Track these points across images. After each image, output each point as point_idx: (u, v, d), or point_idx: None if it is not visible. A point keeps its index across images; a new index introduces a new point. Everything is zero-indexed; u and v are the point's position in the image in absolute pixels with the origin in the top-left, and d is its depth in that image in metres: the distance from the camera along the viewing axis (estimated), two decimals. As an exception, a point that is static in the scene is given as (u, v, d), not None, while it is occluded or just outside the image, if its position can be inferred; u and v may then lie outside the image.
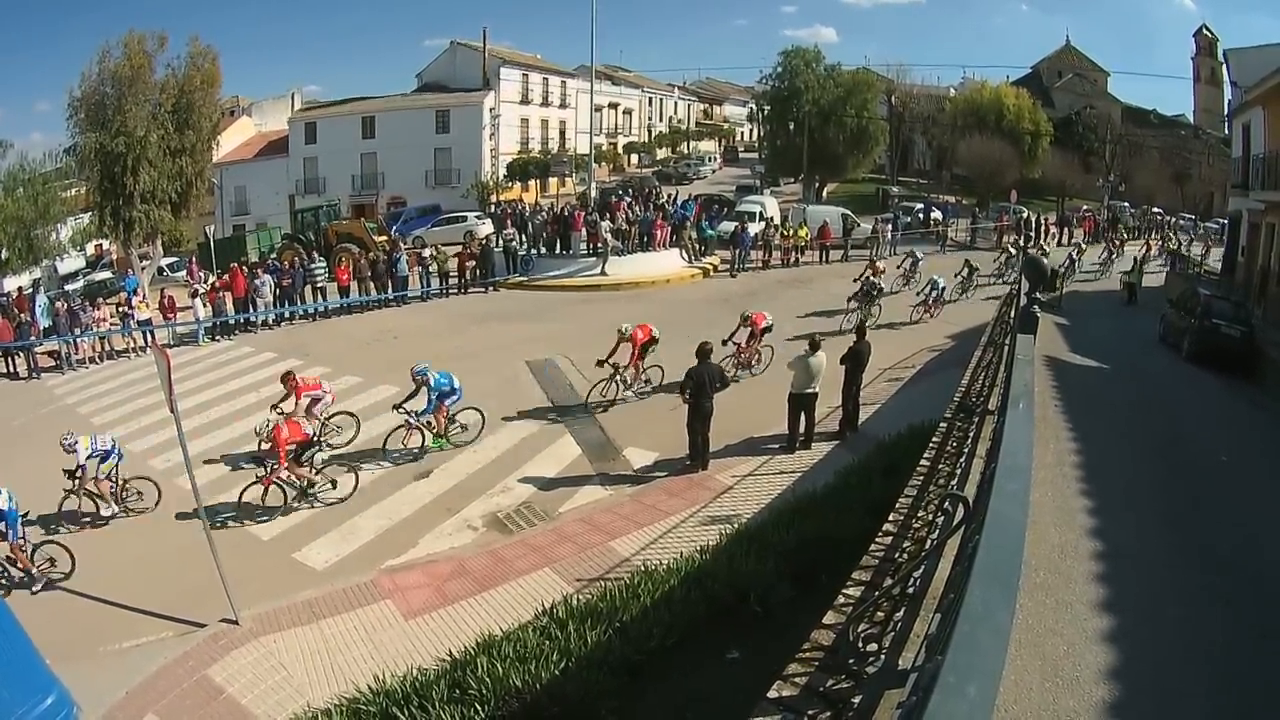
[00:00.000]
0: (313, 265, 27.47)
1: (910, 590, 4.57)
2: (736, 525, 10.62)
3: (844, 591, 5.30)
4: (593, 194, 36.71)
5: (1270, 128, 25.30)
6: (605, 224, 30.30)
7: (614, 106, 66.38)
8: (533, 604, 9.00)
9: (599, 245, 29.54)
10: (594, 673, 7.15)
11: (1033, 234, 38.70)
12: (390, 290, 27.65)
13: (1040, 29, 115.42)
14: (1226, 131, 43.15)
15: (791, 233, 33.94)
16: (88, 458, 11.98)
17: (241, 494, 12.14)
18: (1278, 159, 23.92)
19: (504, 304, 27.19)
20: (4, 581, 10.66)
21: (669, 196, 39.99)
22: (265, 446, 12.30)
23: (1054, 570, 7.16)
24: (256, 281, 25.21)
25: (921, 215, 42.82)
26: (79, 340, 22.78)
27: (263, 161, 54.66)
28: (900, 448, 11.91)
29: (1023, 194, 49.34)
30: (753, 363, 17.90)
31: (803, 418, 13.83)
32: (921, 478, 7.60)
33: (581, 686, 6.98)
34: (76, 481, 11.96)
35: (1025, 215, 41.73)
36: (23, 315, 23.01)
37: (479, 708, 6.93)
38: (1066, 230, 42.57)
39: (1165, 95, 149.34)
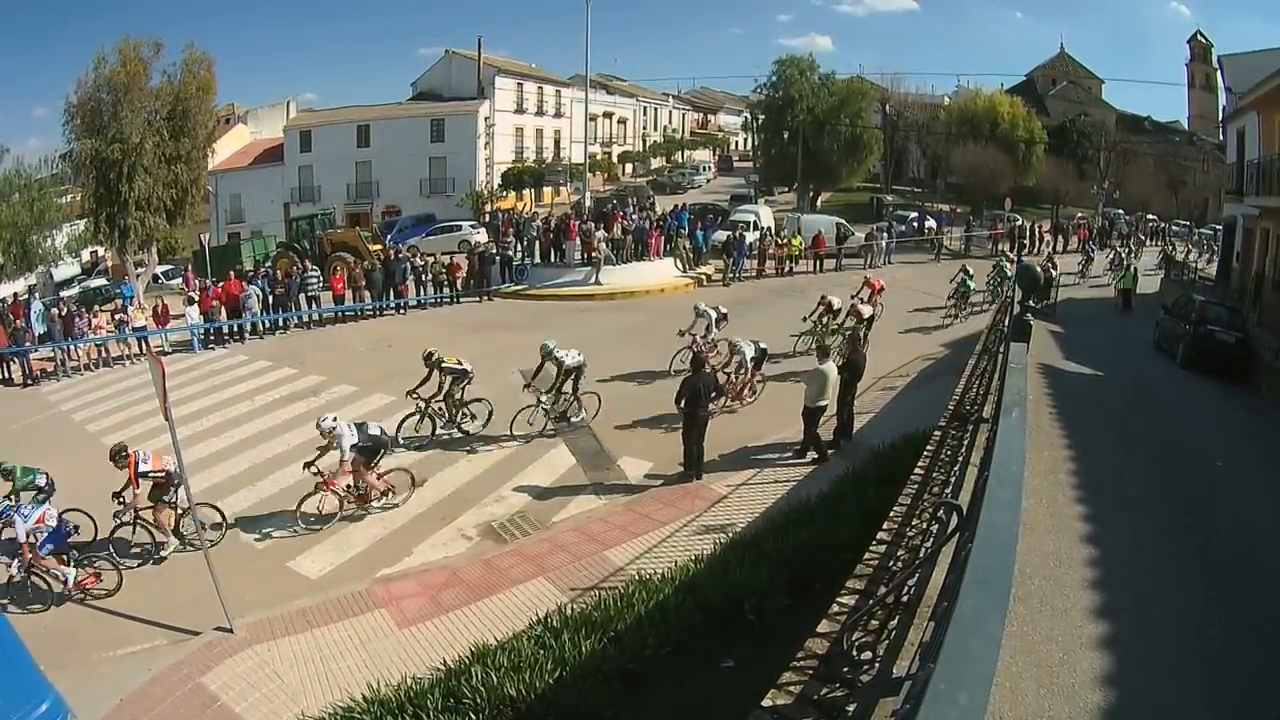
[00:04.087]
0: (308, 274, 27.47)
1: (905, 598, 4.57)
2: (731, 534, 10.63)
3: (839, 600, 5.31)
4: (587, 203, 36.73)
5: (1265, 133, 25.36)
6: (600, 233, 30.31)
7: (608, 115, 66.50)
8: (527, 613, 8.97)
9: (593, 254, 29.57)
10: (589, 682, 7.14)
11: (1026, 241, 38.71)
12: (386, 299, 27.63)
13: (1035, 37, 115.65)
14: (1221, 137, 43.30)
15: (785, 242, 33.96)
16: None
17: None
18: (1272, 164, 23.97)
19: (499, 313, 27.20)
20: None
21: (659, 209, 39.96)
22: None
23: (1049, 577, 7.17)
24: (242, 295, 25.15)
25: (916, 224, 42.83)
26: (74, 347, 22.77)
27: (258, 169, 54.69)
28: (894, 456, 11.89)
29: (1017, 202, 49.42)
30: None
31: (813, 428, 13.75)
32: (916, 486, 7.61)
33: (576, 695, 6.97)
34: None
35: (1019, 223, 41.77)
36: (18, 322, 22.96)
37: (474, 717, 6.92)
38: (1061, 238, 42.59)
39: (1159, 102, 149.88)
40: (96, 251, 40.30)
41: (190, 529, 11.32)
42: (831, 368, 13.49)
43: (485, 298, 29.30)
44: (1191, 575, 7.88)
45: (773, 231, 36.09)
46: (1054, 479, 9.75)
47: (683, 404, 13.10)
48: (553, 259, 31.67)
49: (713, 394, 13.16)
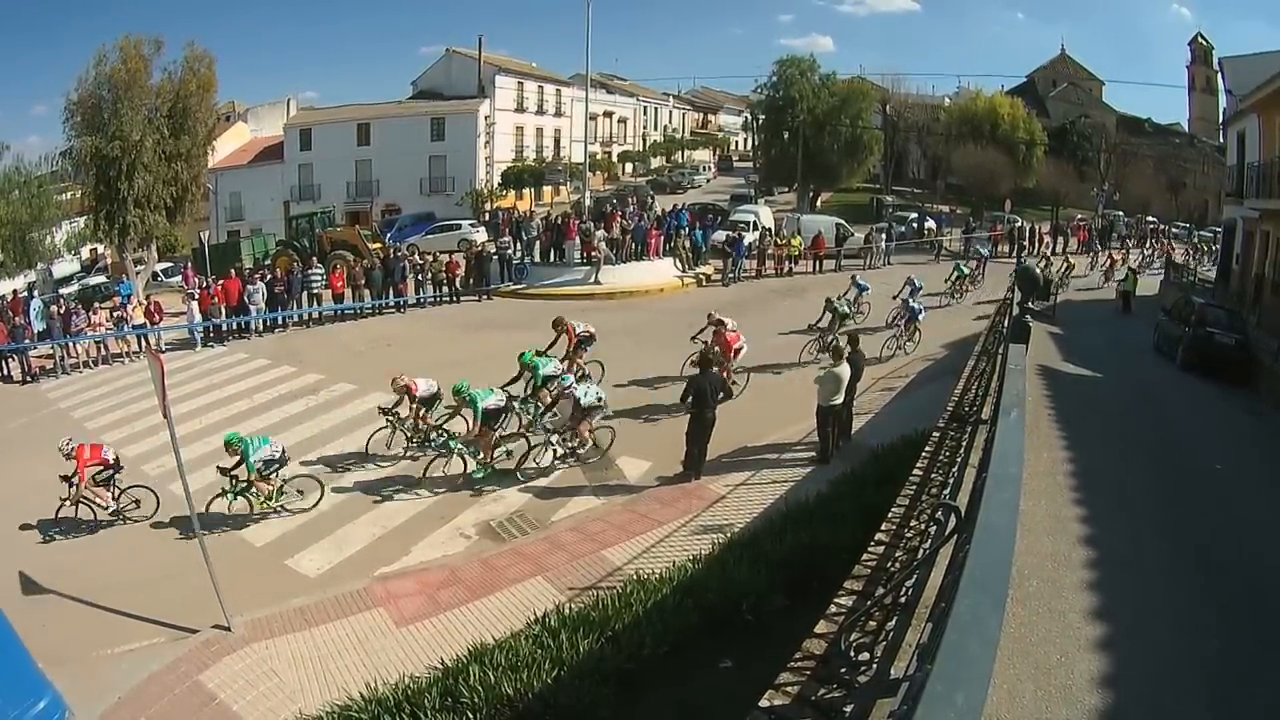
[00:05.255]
0: (310, 272, 27.48)
1: (902, 599, 4.58)
2: (729, 534, 10.62)
3: (836, 600, 5.31)
4: (587, 202, 36.74)
5: (1265, 135, 25.37)
6: (599, 233, 30.31)
7: (609, 115, 66.45)
8: (525, 613, 8.98)
9: (593, 254, 29.57)
10: (586, 682, 7.14)
11: (1026, 243, 38.73)
12: (385, 297, 27.63)
13: (1036, 38, 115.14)
14: (1221, 139, 43.30)
15: (785, 242, 33.96)
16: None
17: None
18: (1273, 167, 23.99)
19: (498, 312, 27.20)
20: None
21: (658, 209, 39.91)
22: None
23: (1047, 579, 7.16)
24: (250, 288, 25.21)
25: (915, 225, 42.81)
26: (74, 344, 22.77)
27: (258, 168, 54.66)
28: (893, 457, 11.90)
29: (1017, 203, 49.43)
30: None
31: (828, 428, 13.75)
32: (914, 487, 7.60)
33: (574, 695, 6.97)
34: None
35: (1019, 224, 41.78)
36: (17, 319, 22.97)
37: (471, 716, 6.92)
38: (1061, 239, 42.63)
39: (1160, 104, 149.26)
40: (96, 249, 40.36)
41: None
42: (845, 369, 13.49)
43: (484, 297, 29.30)
44: (1190, 577, 7.87)
45: (772, 232, 36.10)
46: (1052, 480, 9.74)
47: (688, 403, 13.11)
48: (552, 258, 31.67)
49: (719, 394, 13.13)
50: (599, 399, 13.78)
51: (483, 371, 18.61)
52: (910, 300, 21.71)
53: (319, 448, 14.94)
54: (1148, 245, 44.70)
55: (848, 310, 20.77)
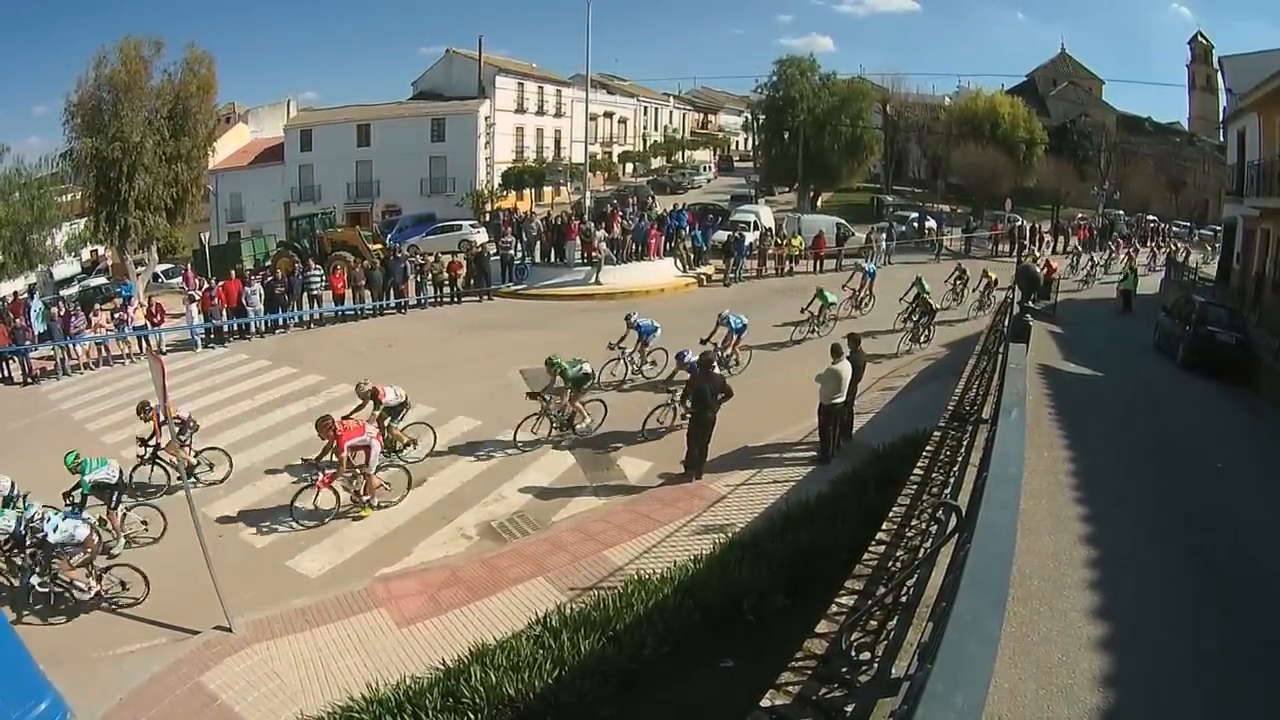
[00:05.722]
0: (310, 273, 27.45)
1: (903, 599, 4.58)
2: (730, 534, 10.63)
3: (837, 600, 5.31)
4: (588, 203, 36.73)
5: (1265, 134, 25.38)
6: (600, 233, 30.29)
7: (609, 115, 66.41)
8: (526, 613, 8.99)
9: (593, 254, 29.56)
10: (588, 681, 7.14)
11: (1026, 242, 38.67)
12: (386, 298, 27.62)
13: (1036, 37, 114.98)
14: (1222, 138, 43.29)
15: (786, 242, 33.94)
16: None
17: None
18: (1273, 165, 23.98)
19: (498, 312, 27.19)
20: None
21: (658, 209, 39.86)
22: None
23: (1048, 578, 7.16)
24: (248, 289, 25.20)
25: (916, 224, 42.79)
26: (74, 346, 22.77)
27: (258, 169, 54.63)
28: (894, 457, 11.90)
29: (1018, 202, 49.38)
30: None
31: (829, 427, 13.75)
32: (915, 486, 7.61)
33: (575, 695, 6.98)
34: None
35: (1020, 223, 41.73)
36: (18, 320, 22.96)
37: (473, 716, 6.93)
38: (1062, 238, 42.59)
39: (1160, 103, 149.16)
40: (97, 250, 40.35)
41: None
42: (845, 366, 13.49)
43: (485, 297, 29.30)
44: (1190, 576, 7.87)
45: (773, 232, 36.06)
46: (1053, 479, 9.74)
47: (689, 404, 13.12)
48: (553, 259, 31.64)
49: (719, 395, 13.12)
50: (77, 538, 9.73)
51: (483, 372, 18.73)
52: (687, 354, 14.96)
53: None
54: (1107, 245, 43.61)
55: (587, 371, 15.17)
